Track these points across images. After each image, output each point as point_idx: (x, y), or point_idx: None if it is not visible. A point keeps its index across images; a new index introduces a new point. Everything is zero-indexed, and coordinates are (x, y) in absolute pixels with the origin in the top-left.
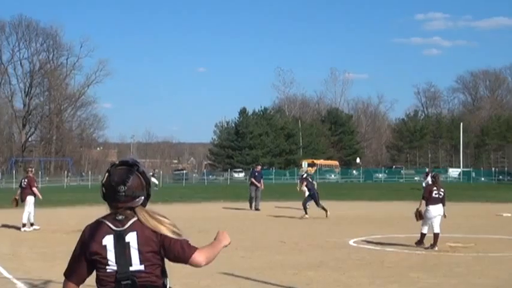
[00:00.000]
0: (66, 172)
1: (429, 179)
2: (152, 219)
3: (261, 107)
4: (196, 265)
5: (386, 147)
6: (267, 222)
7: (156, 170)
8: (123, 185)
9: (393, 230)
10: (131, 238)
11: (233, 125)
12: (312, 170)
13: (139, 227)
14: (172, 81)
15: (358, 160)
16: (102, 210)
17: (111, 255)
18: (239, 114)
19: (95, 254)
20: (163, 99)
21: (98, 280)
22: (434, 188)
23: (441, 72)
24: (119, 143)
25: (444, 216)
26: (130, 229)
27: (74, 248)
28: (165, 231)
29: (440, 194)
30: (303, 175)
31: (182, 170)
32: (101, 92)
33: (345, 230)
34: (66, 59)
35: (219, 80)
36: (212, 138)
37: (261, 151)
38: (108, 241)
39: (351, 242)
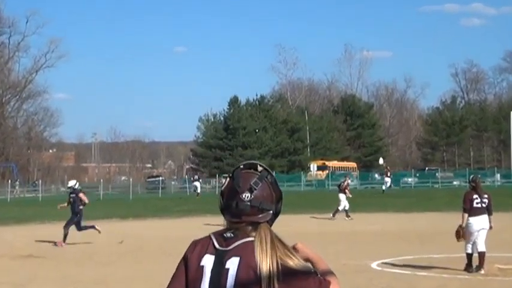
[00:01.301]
0: (10, 181)
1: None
2: (271, 247)
3: (256, 95)
4: None
5: (417, 144)
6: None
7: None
8: (250, 192)
9: (427, 249)
10: (231, 264)
11: (221, 118)
12: (322, 175)
13: (246, 252)
14: (143, 65)
15: (381, 161)
16: (60, 228)
17: (205, 282)
18: (229, 105)
19: (190, 275)
20: (133, 89)
21: None
22: (475, 196)
23: (485, 48)
24: (76, 143)
25: (490, 227)
26: (234, 252)
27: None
28: (288, 265)
29: (484, 202)
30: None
31: (158, 176)
32: (53, 80)
33: (366, 249)
34: (8, 38)
35: (203, 62)
36: (195, 136)
37: (258, 151)
38: (207, 262)
39: (374, 265)
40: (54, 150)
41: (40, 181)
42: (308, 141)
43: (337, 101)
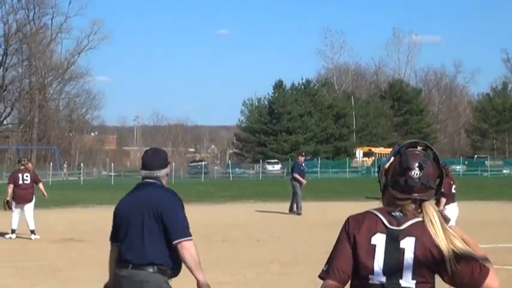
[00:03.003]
0: (51, 164)
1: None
2: (442, 228)
3: (302, 79)
4: None
5: (466, 130)
6: (311, 229)
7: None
8: (420, 169)
9: (475, 238)
10: (407, 244)
11: (266, 103)
12: (368, 162)
13: (420, 232)
14: (186, 47)
15: None
16: (101, 212)
17: (379, 260)
18: (274, 89)
19: (359, 253)
20: (176, 72)
21: (355, 287)
22: (451, 182)
23: None
24: (118, 126)
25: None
26: (408, 232)
27: (335, 244)
28: (459, 247)
29: (455, 189)
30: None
31: (200, 161)
32: (95, 62)
33: None
34: (51, 19)
35: (247, 45)
36: (239, 120)
37: (303, 136)
38: (379, 241)
39: None
40: (96, 133)
41: (82, 164)
42: (354, 126)
43: (385, 86)
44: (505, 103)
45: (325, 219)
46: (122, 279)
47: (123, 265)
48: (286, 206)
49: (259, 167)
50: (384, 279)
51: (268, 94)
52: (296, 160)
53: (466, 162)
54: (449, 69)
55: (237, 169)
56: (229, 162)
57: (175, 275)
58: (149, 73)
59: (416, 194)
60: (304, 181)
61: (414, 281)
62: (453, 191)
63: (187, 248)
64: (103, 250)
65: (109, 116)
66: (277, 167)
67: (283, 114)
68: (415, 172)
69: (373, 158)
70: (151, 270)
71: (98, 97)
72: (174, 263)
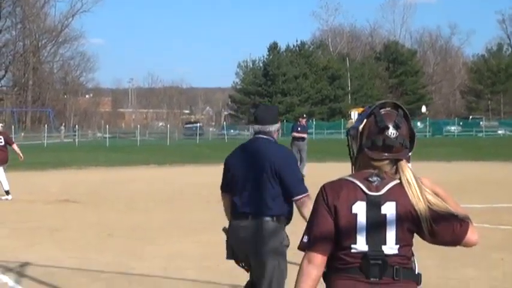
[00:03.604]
0: (46, 126)
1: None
2: (419, 188)
3: (297, 41)
4: (470, 246)
5: (461, 92)
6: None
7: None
8: (396, 128)
9: (469, 198)
10: (388, 209)
11: (261, 64)
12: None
13: (399, 195)
14: (181, 9)
15: (424, 109)
16: (96, 174)
17: (361, 229)
18: (269, 51)
19: (341, 223)
20: (170, 33)
21: (333, 257)
22: None
23: None
24: (113, 88)
25: None
26: (388, 197)
27: (313, 214)
28: (437, 206)
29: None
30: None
31: (195, 122)
32: (89, 25)
33: None
34: None
35: (242, 6)
36: (234, 82)
37: (298, 98)
38: (360, 209)
39: None
40: (91, 95)
41: (77, 126)
42: (349, 88)
43: (380, 48)
44: (500, 64)
45: (320, 179)
46: (240, 228)
47: (242, 217)
48: None
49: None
50: (366, 247)
51: (263, 56)
52: (296, 123)
53: (461, 123)
54: (445, 31)
55: (231, 130)
56: (224, 123)
57: (288, 223)
58: (144, 35)
59: (394, 154)
60: (297, 134)
61: (397, 246)
62: None
63: (306, 203)
64: (98, 211)
65: (104, 78)
66: None
67: (278, 76)
68: (392, 131)
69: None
70: (269, 220)
71: (93, 59)
72: (289, 213)
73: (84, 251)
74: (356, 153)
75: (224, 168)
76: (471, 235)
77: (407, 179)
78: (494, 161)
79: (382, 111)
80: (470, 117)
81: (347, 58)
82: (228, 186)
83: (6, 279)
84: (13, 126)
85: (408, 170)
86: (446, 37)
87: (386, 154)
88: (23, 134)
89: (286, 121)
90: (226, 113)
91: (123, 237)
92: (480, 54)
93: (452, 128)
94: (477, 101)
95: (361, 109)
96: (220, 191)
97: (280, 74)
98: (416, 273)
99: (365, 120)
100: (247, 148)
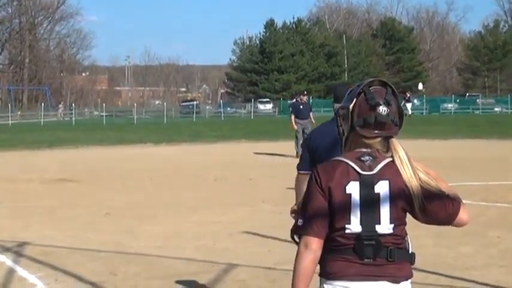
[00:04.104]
0: (43, 104)
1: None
2: (411, 165)
3: (293, 18)
4: (461, 225)
5: (458, 69)
6: None
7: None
8: (387, 105)
9: (466, 176)
10: (382, 188)
11: (257, 42)
12: None
13: (392, 174)
14: None
15: (420, 86)
16: (93, 153)
17: (354, 210)
18: (265, 28)
19: (335, 205)
20: (167, 10)
21: (329, 239)
22: None
23: None
24: (109, 66)
25: None
26: (381, 176)
27: (307, 197)
28: (428, 183)
29: None
30: None
31: (192, 100)
32: (85, 1)
33: None
34: None
35: None
36: (230, 60)
37: (294, 75)
38: (354, 189)
39: None
40: (87, 73)
41: (73, 105)
42: (346, 65)
43: (376, 25)
44: (497, 41)
45: None
46: None
47: None
48: (278, 145)
49: (250, 106)
50: (359, 228)
51: (260, 33)
52: (297, 101)
53: (458, 101)
54: (441, 7)
55: (228, 108)
56: (221, 101)
57: None
58: (140, 12)
59: (385, 131)
60: (294, 126)
61: (392, 225)
62: None
63: None
64: (95, 190)
65: (100, 56)
66: (269, 106)
67: (275, 54)
68: (383, 108)
69: None
70: None
71: (89, 37)
72: None
73: (82, 230)
74: (347, 133)
75: (307, 148)
76: (462, 214)
77: (399, 157)
78: (490, 139)
79: (372, 89)
80: (467, 94)
81: (344, 35)
82: (310, 167)
83: (4, 258)
84: (9, 105)
85: (400, 148)
86: (443, 13)
87: (378, 131)
88: (19, 112)
89: (283, 99)
90: (222, 90)
91: (120, 216)
92: (477, 31)
93: (449, 105)
94: (474, 78)
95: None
96: (297, 170)
97: (276, 51)
98: (410, 252)
99: (355, 99)
100: (330, 128)
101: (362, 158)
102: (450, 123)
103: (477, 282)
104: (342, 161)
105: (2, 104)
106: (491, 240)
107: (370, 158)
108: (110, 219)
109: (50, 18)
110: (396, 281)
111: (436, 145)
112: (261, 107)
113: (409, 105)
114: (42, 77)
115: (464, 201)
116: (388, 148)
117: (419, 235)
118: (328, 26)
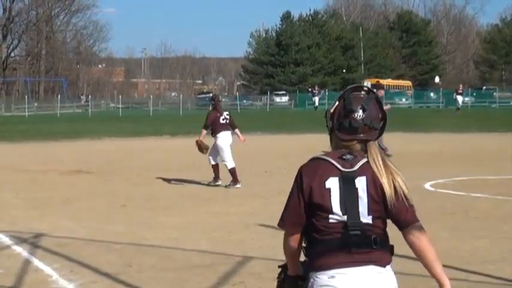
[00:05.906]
0: (59, 96)
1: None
2: (384, 166)
3: (310, 10)
4: (410, 243)
5: (475, 62)
6: None
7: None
8: (363, 111)
9: (483, 170)
10: (360, 183)
11: (274, 34)
12: (381, 93)
13: (369, 171)
14: None
15: (437, 79)
16: (109, 144)
17: (335, 202)
18: (281, 21)
19: (316, 199)
20: (183, 2)
21: (315, 229)
22: (218, 115)
23: None
24: (126, 58)
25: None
26: (360, 172)
27: (289, 195)
28: (399, 184)
29: (227, 119)
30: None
31: (208, 93)
32: None
33: (420, 170)
34: None
35: None
36: (246, 52)
37: (311, 68)
38: (333, 184)
39: (427, 186)
40: (104, 65)
41: (89, 96)
42: (362, 58)
43: (393, 17)
44: None
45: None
46: None
47: None
48: (293, 137)
49: (266, 98)
50: (345, 218)
51: (276, 25)
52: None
53: (475, 94)
54: (459, 0)
55: (244, 101)
56: (237, 94)
57: None
58: (157, 4)
59: (361, 135)
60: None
61: (370, 216)
62: (221, 121)
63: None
64: (111, 182)
65: (116, 47)
66: (285, 98)
67: (291, 46)
68: (358, 114)
69: (383, 90)
70: None
71: (106, 29)
72: None
73: (97, 221)
74: (329, 133)
75: None
76: (418, 234)
77: (373, 157)
78: (507, 132)
79: (353, 94)
80: (484, 87)
81: (360, 28)
82: None
83: (20, 249)
84: (26, 96)
85: (375, 149)
86: (460, 6)
87: (352, 135)
88: (36, 104)
89: (299, 92)
90: (239, 83)
91: (136, 207)
92: (494, 24)
93: (466, 98)
94: (491, 72)
95: (374, 80)
96: None
97: (293, 43)
98: (389, 244)
99: (337, 103)
100: None
101: (344, 157)
102: (467, 116)
103: (492, 276)
104: (325, 160)
105: (19, 95)
106: (507, 235)
107: (351, 156)
108: (126, 211)
109: (67, 10)
110: (382, 265)
111: (452, 139)
112: (277, 99)
113: (460, 98)
114: (58, 69)
115: (479, 194)
116: (365, 150)
117: (434, 228)
118: (344, 19)
